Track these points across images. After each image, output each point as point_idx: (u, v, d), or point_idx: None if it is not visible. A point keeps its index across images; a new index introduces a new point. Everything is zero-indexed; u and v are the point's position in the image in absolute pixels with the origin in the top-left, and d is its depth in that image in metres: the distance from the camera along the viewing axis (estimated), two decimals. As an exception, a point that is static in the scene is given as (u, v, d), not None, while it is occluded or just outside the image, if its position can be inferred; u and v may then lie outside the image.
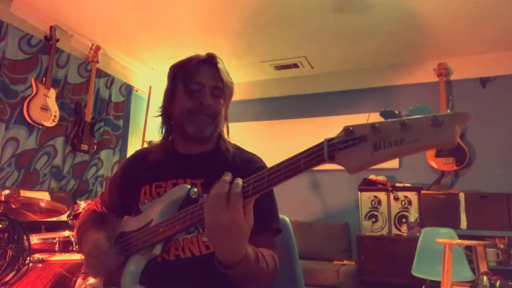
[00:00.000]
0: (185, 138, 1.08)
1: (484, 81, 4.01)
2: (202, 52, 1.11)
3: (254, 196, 0.74)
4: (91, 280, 1.51)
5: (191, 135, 1.06)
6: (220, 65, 1.07)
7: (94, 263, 0.96)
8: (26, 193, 2.93)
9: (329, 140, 0.65)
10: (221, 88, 1.06)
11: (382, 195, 3.83)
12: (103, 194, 1.22)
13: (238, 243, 0.75)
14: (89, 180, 3.96)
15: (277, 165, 0.71)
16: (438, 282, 2.85)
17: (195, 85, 1.05)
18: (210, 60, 1.07)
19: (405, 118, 0.57)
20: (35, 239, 2.18)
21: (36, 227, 2.71)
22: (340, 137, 0.64)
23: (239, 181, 0.74)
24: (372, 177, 3.98)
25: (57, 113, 3.50)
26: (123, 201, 1.11)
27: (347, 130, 0.63)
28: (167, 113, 1.12)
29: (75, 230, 1.25)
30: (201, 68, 1.06)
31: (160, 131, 1.14)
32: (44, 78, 3.43)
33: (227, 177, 0.76)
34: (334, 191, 4.21)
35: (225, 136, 1.13)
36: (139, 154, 1.18)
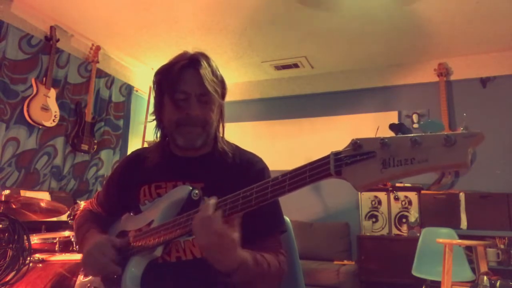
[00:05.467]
0: (178, 146, 1.06)
1: (484, 81, 4.01)
2: (195, 49, 1.05)
3: (256, 206, 0.73)
4: (91, 278, 1.51)
5: (183, 146, 1.03)
6: (202, 70, 0.98)
7: (93, 264, 0.93)
8: (26, 193, 2.93)
9: (335, 154, 0.63)
10: (209, 94, 0.99)
11: (382, 195, 3.83)
12: (99, 194, 1.21)
13: (233, 254, 0.77)
14: (89, 180, 3.96)
15: (282, 175, 0.70)
16: (438, 282, 2.85)
17: (180, 94, 0.98)
18: (193, 65, 0.99)
19: (416, 135, 0.55)
20: (35, 239, 2.18)
21: (36, 227, 2.71)
22: (348, 151, 0.61)
23: (213, 201, 0.77)
24: (372, 177, 3.97)
25: (57, 113, 3.50)
26: (121, 202, 1.10)
27: (355, 144, 0.60)
28: (159, 120, 1.09)
29: (74, 229, 1.23)
30: (185, 75, 0.99)
31: (155, 135, 1.11)
32: (44, 78, 3.43)
33: (212, 201, 0.77)
34: (334, 191, 4.21)
35: (221, 136, 1.09)
36: (137, 155, 1.16)
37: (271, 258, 0.90)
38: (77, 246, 2.17)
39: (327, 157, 0.64)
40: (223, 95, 1.07)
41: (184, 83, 0.99)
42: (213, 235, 0.73)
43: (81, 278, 1.82)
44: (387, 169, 0.56)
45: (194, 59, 1.01)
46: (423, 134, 0.55)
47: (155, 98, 1.07)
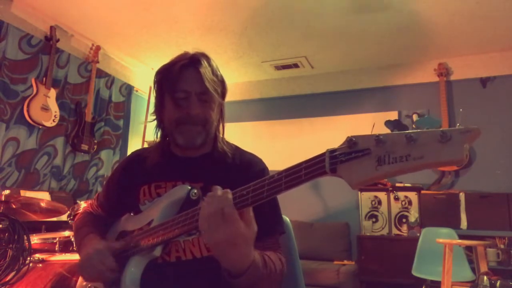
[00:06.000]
0: (178, 145, 1.06)
1: (484, 81, 4.01)
2: (196, 49, 1.05)
3: (253, 205, 0.73)
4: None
5: (183, 145, 1.03)
6: (202, 69, 0.98)
7: (90, 270, 0.92)
8: (26, 193, 2.93)
9: (331, 151, 0.62)
10: (209, 93, 0.99)
11: (382, 195, 3.83)
12: (99, 195, 1.21)
13: (243, 251, 0.74)
14: (89, 180, 3.96)
15: (278, 173, 0.69)
16: (438, 282, 2.85)
17: (181, 93, 0.99)
18: (193, 64, 1.00)
19: (411, 131, 0.55)
20: (35, 239, 2.18)
21: (36, 227, 2.71)
22: (343, 148, 0.61)
23: (229, 194, 0.73)
24: (372, 177, 3.98)
25: (57, 113, 3.50)
26: (121, 202, 1.10)
27: (350, 141, 0.60)
28: (159, 119, 1.09)
29: (73, 231, 1.22)
30: (185, 74, 0.99)
31: (155, 134, 1.11)
32: (44, 78, 3.43)
33: (218, 191, 0.74)
34: (334, 191, 4.21)
35: (221, 136, 1.09)
36: (137, 155, 1.16)
37: (276, 260, 0.89)
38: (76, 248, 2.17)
39: (323, 154, 0.63)
40: (223, 95, 1.07)
41: (184, 82, 0.99)
42: (225, 229, 0.70)
43: (81, 279, 1.82)
44: (382, 166, 0.56)
45: (194, 59, 1.01)
46: (419, 130, 0.55)
47: (156, 97, 1.08)
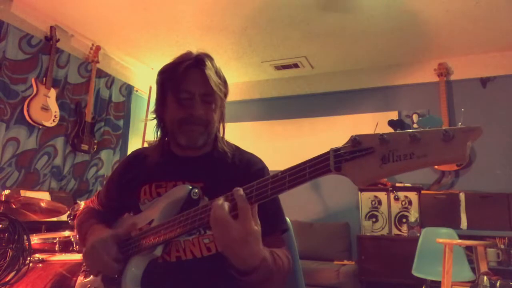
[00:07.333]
0: (179, 145, 1.06)
1: (484, 81, 4.01)
2: (198, 49, 1.05)
3: (256, 203, 0.73)
4: (91, 278, 1.51)
5: (184, 145, 1.04)
6: (208, 71, 0.99)
7: (95, 261, 0.92)
8: (26, 193, 2.93)
9: (335, 150, 0.63)
10: (212, 94, 1.00)
11: (382, 195, 3.83)
12: (99, 194, 1.21)
13: (255, 248, 0.74)
14: (89, 180, 3.96)
15: (282, 172, 0.70)
16: (439, 282, 2.85)
17: (184, 93, 1.00)
18: (198, 65, 1.00)
19: (414, 130, 0.56)
20: (35, 239, 2.18)
21: (36, 227, 2.72)
22: (347, 147, 0.62)
23: (241, 191, 0.73)
24: (372, 177, 3.98)
25: (58, 113, 3.50)
26: (121, 201, 1.10)
27: (354, 140, 0.61)
28: (160, 118, 1.09)
29: (75, 226, 1.22)
30: (189, 74, 1.00)
31: (155, 134, 1.11)
32: (44, 78, 3.43)
33: (240, 191, 0.74)
34: (334, 191, 4.21)
35: (221, 136, 1.10)
36: (137, 155, 1.16)
37: (283, 256, 0.90)
38: (77, 246, 2.17)
39: (327, 153, 0.64)
40: (225, 96, 1.08)
41: (188, 82, 1.00)
42: (238, 227, 0.71)
43: (81, 279, 1.82)
44: (386, 165, 0.57)
45: (199, 59, 1.01)
46: (422, 129, 0.56)
47: (158, 97, 1.08)
